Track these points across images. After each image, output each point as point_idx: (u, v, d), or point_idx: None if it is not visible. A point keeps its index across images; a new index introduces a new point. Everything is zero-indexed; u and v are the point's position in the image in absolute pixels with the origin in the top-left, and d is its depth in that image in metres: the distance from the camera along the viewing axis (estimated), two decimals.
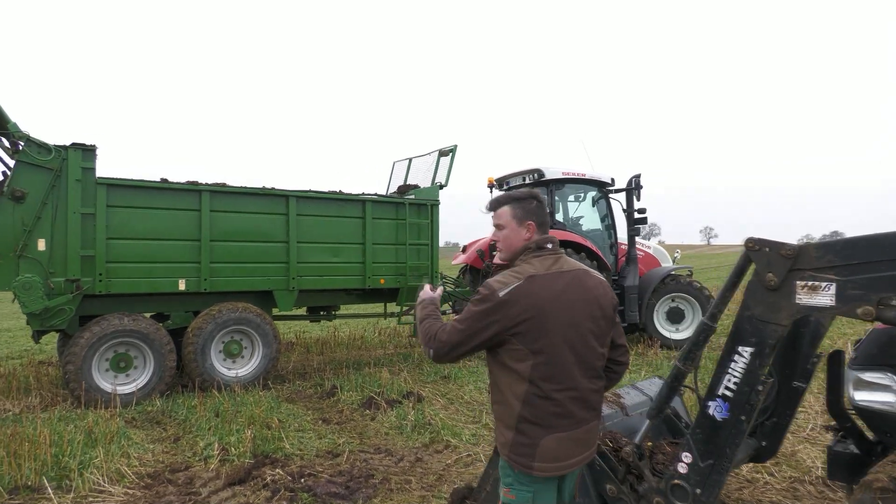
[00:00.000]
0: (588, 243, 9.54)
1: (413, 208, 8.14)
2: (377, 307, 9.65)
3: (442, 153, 8.62)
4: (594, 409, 2.17)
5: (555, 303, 2.08)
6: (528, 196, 2.30)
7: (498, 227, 2.30)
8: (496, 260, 2.36)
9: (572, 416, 2.09)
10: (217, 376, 6.76)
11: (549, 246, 2.24)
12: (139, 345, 6.38)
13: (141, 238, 6.41)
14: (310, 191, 7.41)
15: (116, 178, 6.26)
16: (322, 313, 8.44)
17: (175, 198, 6.59)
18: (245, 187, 6.97)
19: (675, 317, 10.04)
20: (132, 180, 6.35)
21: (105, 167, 6.10)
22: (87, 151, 6.13)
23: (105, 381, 6.27)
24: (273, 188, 7.14)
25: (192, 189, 6.64)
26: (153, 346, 6.40)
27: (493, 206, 2.34)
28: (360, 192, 7.91)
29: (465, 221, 7.96)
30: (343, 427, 5.62)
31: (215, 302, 6.96)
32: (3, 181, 5.97)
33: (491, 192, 10.95)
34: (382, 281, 7.93)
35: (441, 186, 8.45)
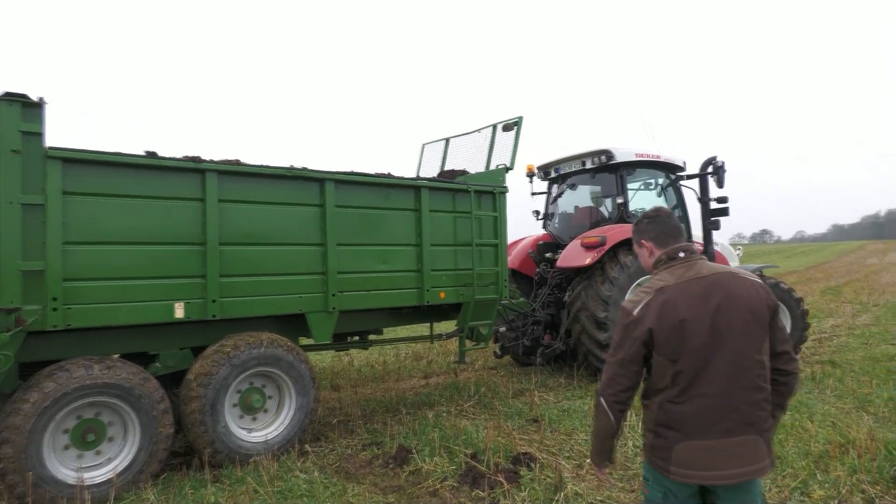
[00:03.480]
0: None
1: (475, 198, 6.18)
2: (416, 328, 7.65)
3: (505, 128, 6.70)
4: (751, 423, 2.13)
5: (692, 310, 2.15)
6: (643, 217, 2.51)
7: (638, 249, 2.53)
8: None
9: (714, 426, 2.11)
10: (236, 444, 4.60)
11: (681, 255, 2.32)
12: (117, 406, 4.16)
13: (117, 242, 4.21)
14: (351, 172, 5.33)
15: (78, 150, 4.04)
16: (351, 339, 6.34)
17: (168, 181, 4.40)
18: (265, 167, 4.84)
19: None
20: (102, 153, 4.13)
21: (60, 137, 4.19)
22: (30, 107, 3.90)
23: (64, 468, 4.02)
24: (304, 168, 5.03)
25: (194, 168, 4.47)
26: (139, 407, 4.19)
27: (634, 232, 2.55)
28: (415, 176, 5.90)
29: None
30: None
31: (226, 333, 4.80)
32: None
33: (531, 181, 9.12)
34: (442, 295, 5.94)
35: (507, 169, 6.53)
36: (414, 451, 4.80)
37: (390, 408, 6.36)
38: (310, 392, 4.97)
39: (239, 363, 4.60)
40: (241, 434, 4.70)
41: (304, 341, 5.57)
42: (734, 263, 9.20)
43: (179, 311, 4.43)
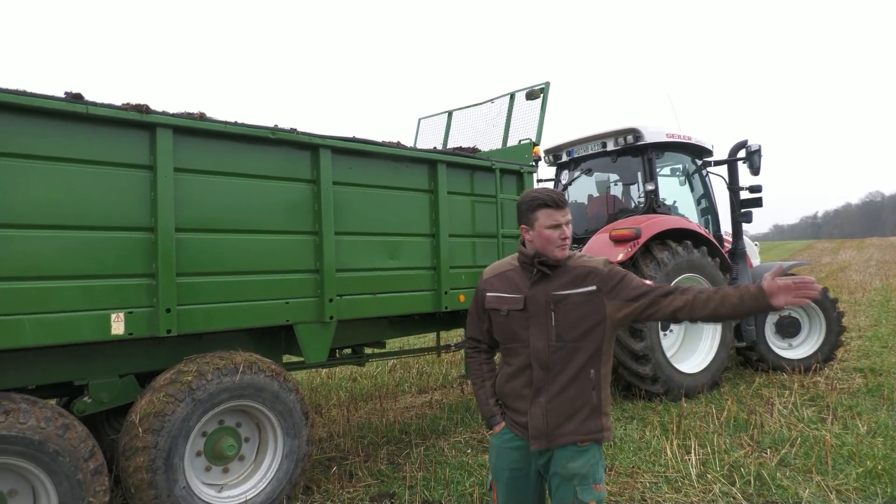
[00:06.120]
0: (707, 233, 6.85)
1: (499, 178, 4.99)
2: (412, 339, 6.41)
3: (529, 95, 5.54)
4: None
5: None
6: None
7: (567, 224, 2.31)
8: (563, 254, 2.33)
9: None
10: None
11: None
12: (22, 468, 2.80)
13: (17, 226, 2.84)
14: (353, 139, 4.07)
15: None
16: (342, 353, 5.05)
17: (101, 138, 3.06)
18: (241, 125, 3.53)
19: (787, 329, 7.61)
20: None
21: None
22: None
23: None
24: (293, 130, 3.74)
25: (138, 122, 3.13)
26: (56, 469, 2.84)
27: (565, 203, 2.32)
28: (432, 147, 4.69)
29: None
30: None
31: (185, 353, 3.47)
32: None
33: (535, 165, 7.98)
34: (462, 298, 4.74)
35: (534, 144, 5.39)
36: None
37: (392, 438, 5.12)
38: (301, 432, 3.68)
39: (205, 397, 3.27)
40: (210, 495, 3.37)
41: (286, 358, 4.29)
42: (756, 261, 8.31)
43: (118, 326, 3.09)
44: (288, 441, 3.63)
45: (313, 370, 7.57)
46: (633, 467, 4.25)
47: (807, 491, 3.80)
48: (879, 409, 5.56)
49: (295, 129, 3.74)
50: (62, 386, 3.36)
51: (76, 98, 2.97)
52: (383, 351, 5.25)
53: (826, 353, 7.43)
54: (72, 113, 2.94)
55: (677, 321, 2.26)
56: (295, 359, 4.27)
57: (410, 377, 7.50)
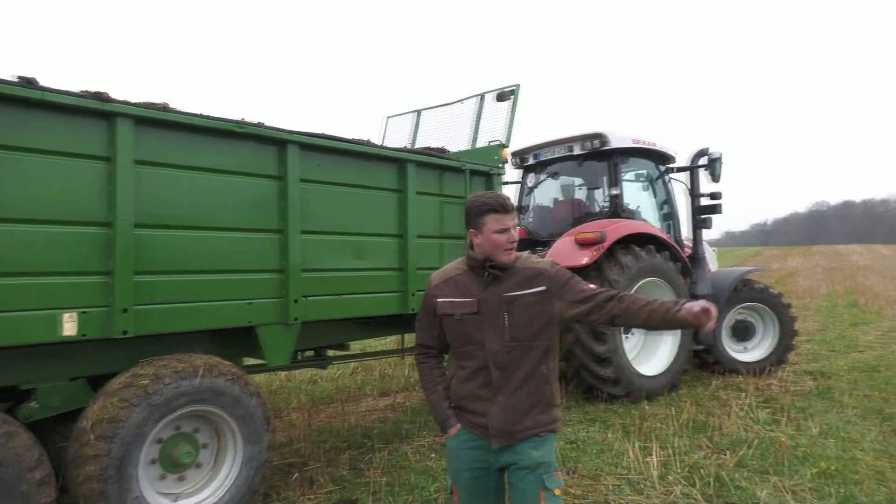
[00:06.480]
0: (669, 239, 6.97)
1: (468, 179, 4.97)
2: (374, 341, 6.33)
3: (499, 97, 5.53)
4: None
5: None
6: None
7: (514, 227, 2.34)
8: (510, 258, 2.35)
9: None
10: None
11: None
12: None
13: None
14: (322, 135, 3.96)
15: None
16: (303, 355, 4.92)
17: (55, 126, 2.89)
18: (205, 117, 3.39)
19: (741, 332, 7.82)
20: None
21: None
22: None
23: None
24: (260, 124, 3.62)
25: (97, 110, 2.97)
26: None
27: (512, 208, 2.36)
28: (402, 147, 4.62)
29: None
30: None
31: (141, 355, 3.31)
32: None
33: (502, 166, 8.00)
34: None
35: (502, 146, 5.38)
36: None
37: (353, 442, 5.02)
38: (262, 437, 3.55)
39: (162, 402, 3.12)
40: None
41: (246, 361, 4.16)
42: (714, 266, 8.52)
43: (70, 327, 2.92)
44: (248, 447, 3.50)
45: (272, 372, 7.40)
46: (596, 470, 4.27)
47: (764, 492, 3.88)
48: (830, 412, 5.75)
49: (262, 124, 3.62)
50: (7, 390, 3.16)
51: (30, 83, 2.80)
52: (346, 353, 5.14)
53: (779, 356, 7.67)
54: (25, 98, 2.76)
55: (615, 326, 2.39)
56: (254, 361, 4.14)
57: (372, 380, 7.40)
